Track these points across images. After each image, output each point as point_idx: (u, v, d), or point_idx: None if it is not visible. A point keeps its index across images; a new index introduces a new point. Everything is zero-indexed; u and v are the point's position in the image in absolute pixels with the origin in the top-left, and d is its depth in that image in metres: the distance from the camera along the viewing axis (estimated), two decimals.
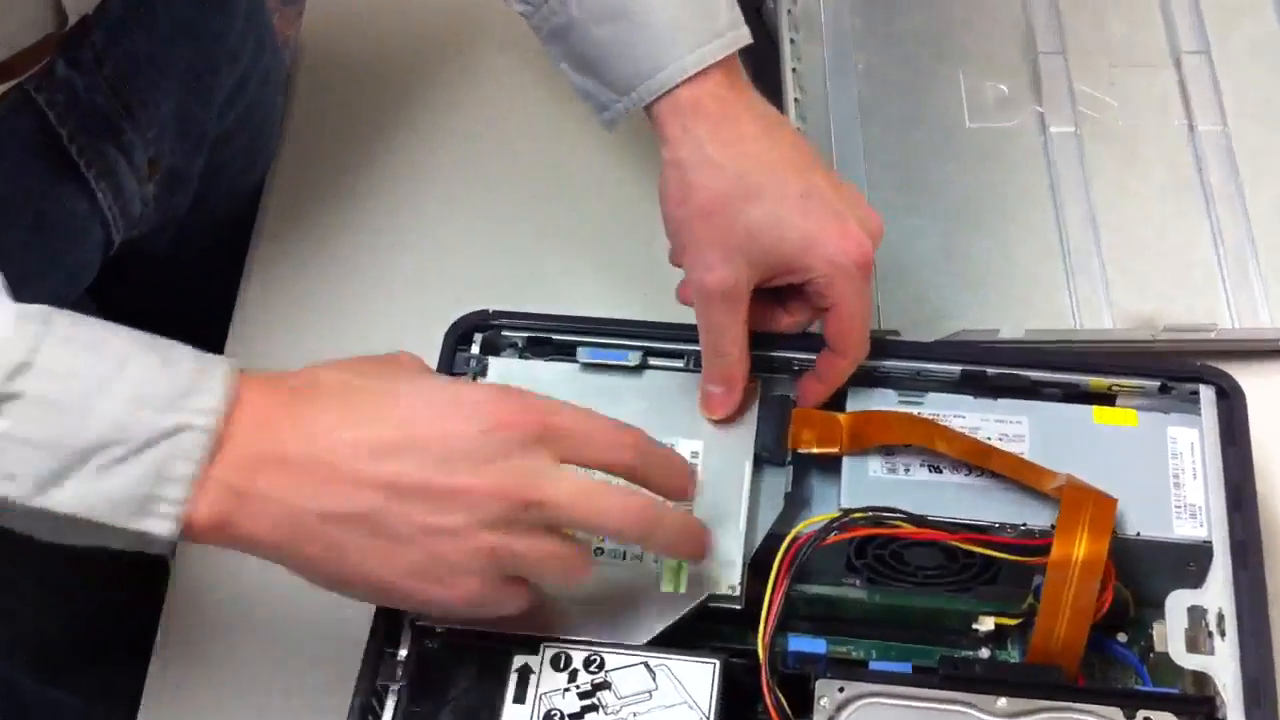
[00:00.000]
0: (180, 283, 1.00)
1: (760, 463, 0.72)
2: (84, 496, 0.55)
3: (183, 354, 0.58)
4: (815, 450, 0.71)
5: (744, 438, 0.73)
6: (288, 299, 0.92)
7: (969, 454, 0.70)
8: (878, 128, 0.91)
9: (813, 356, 0.74)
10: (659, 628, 0.67)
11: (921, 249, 0.86)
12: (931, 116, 0.91)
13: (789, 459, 0.72)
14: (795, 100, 0.91)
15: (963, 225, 0.87)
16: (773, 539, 0.69)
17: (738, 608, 0.68)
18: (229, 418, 0.57)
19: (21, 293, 0.57)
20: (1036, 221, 0.87)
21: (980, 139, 0.90)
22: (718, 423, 0.73)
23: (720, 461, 0.72)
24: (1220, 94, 0.90)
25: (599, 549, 0.69)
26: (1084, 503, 0.67)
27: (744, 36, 0.73)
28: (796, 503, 0.72)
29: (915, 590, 0.71)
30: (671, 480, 0.65)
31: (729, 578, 0.68)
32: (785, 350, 0.75)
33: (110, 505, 0.55)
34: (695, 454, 0.72)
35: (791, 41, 0.93)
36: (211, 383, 0.57)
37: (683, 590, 0.68)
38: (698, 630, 0.70)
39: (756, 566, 0.69)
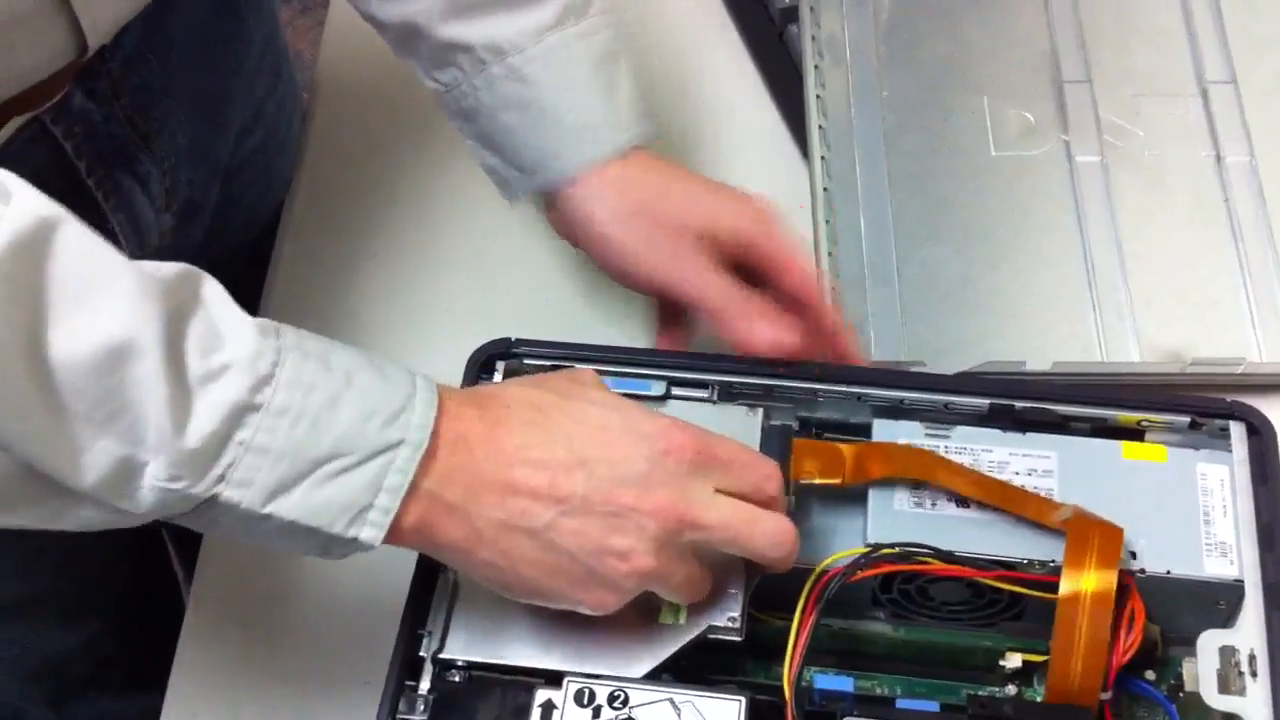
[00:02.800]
0: None
1: None
2: (307, 505, 0.58)
3: (394, 369, 0.61)
4: (818, 481, 0.71)
5: None
6: (307, 329, 0.91)
7: (971, 488, 0.69)
8: (902, 155, 0.90)
9: (814, 385, 0.74)
10: (657, 660, 0.66)
11: (946, 278, 0.85)
12: (956, 145, 0.90)
13: (791, 489, 0.71)
14: (820, 127, 0.90)
15: (987, 254, 0.86)
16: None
17: (737, 639, 0.67)
18: (434, 432, 0.60)
19: None
20: (1062, 252, 0.86)
21: (1005, 167, 0.89)
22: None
23: None
24: (1247, 125, 0.90)
25: None
26: (1089, 534, 0.66)
27: (647, 134, 0.79)
28: (799, 533, 0.70)
29: (940, 626, 0.71)
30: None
31: (729, 610, 0.67)
32: (786, 380, 0.74)
33: (329, 513, 0.58)
34: None
35: (816, 68, 0.93)
36: (424, 397, 0.61)
37: (682, 622, 0.67)
38: (720, 665, 0.69)
39: (757, 597, 0.69)
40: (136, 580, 1.03)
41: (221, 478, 0.56)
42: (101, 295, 0.54)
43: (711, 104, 1.00)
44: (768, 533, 0.64)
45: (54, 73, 0.70)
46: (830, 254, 0.86)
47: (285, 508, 0.57)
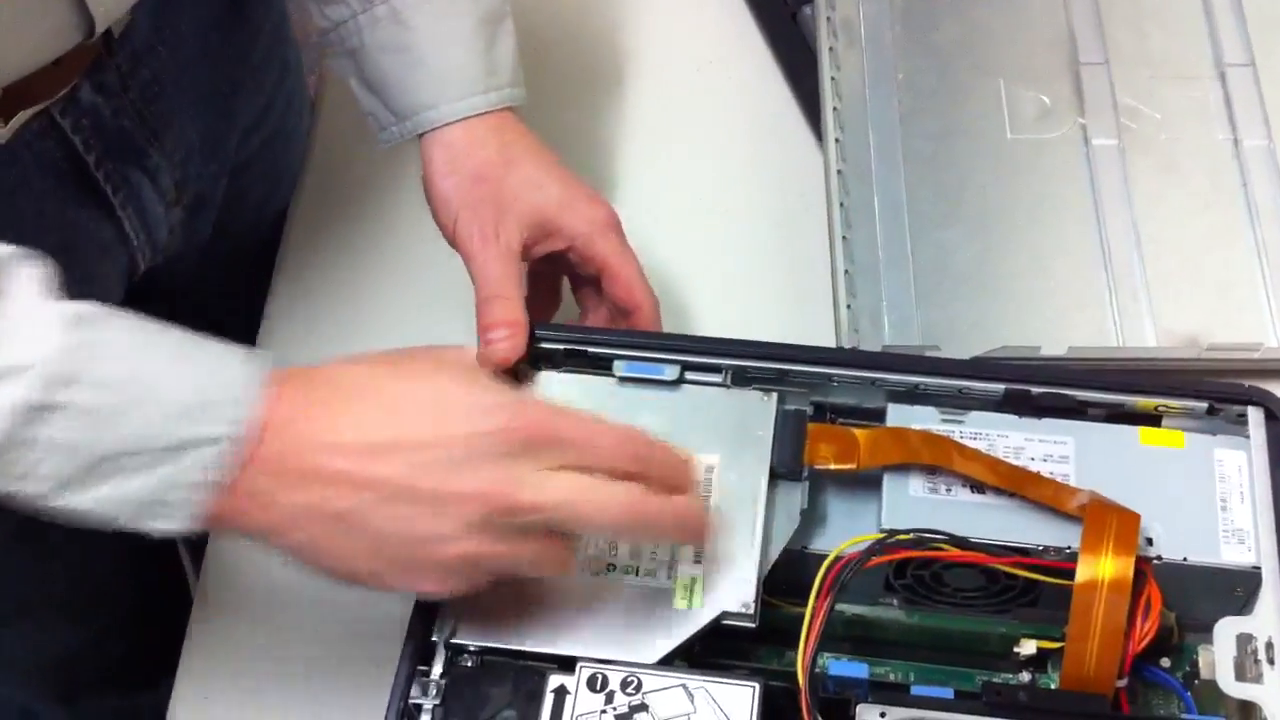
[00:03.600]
0: (203, 310, 0.99)
1: (775, 478, 0.71)
2: (100, 499, 0.57)
3: (213, 360, 0.59)
4: (832, 466, 0.70)
5: (759, 453, 0.71)
6: (312, 324, 0.91)
7: (987, 473, 0.69)
8: (917, 138, 0.89)
9: (828, 370, 0.73)
10: (671, 645, 0.66)
11: (960, 262, 0.85)
12: (972, 127, 0.90)
13: (805, 474, 0.71)
14: (834, 110, 0.90)
15: (1003, 238, 0.86)
16: (788, 556, 0.68)
17: (751, 625, 0.67)
18: (253, 421, 0.58)
19: None
20: (1078, 235, 0.86)
21: (1021, 150, 0.89)
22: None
23: (735, 476, 0.70)
24: (1265, 108, 0.89)
25: (610, 564, 0.68)
26: (1106, 520, 0.66)
27: (519, 97, 0.80)
28: (813, 519, 0.71)
29: (955, 612, 0.70)
30: (671, 481, 0.65)
31: (743, 595, 0.67)
32: (801, 364, 0.73)
33: (124, 507, 0.57)
34: (710, 468, 0.70)
35: (830, 50, 0.92)
36: (241, 391, 0.59)
37: (695, 607, 0.67)
38: (734, 651, 0.69)
39: (771, 583, 0.68)
40: (146, 577, 1.03)
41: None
42: None
43: (725, 86, 0.99)
44: (599, 508, 0.61)
45: (62, 57, 0.69)
46: (844, 237, 0.85)
47: (75, 501, 0.57)
